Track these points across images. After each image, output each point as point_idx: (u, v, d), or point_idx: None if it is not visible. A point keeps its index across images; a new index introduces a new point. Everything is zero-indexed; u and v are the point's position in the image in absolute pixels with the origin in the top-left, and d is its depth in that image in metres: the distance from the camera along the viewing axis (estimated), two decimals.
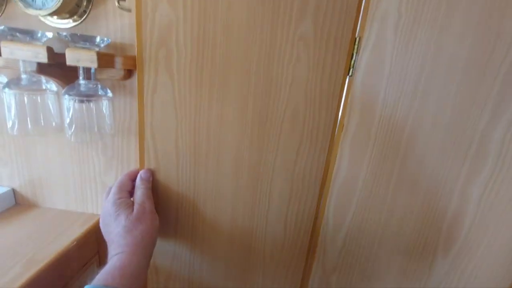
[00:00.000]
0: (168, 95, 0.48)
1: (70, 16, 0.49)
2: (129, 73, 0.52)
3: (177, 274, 0.62)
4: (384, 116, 0.49)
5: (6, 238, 0.52)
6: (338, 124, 0.51)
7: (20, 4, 0.45)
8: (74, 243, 0.52)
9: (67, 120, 0.48)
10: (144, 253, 0.43)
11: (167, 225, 0.59)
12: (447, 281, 0.58)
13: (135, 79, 0.52)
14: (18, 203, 0.63)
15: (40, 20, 0.50)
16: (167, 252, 0.61)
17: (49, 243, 0.51)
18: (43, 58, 0.40)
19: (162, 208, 0.56)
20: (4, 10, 0.50)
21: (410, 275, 0.60)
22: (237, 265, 0.65)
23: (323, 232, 0.61)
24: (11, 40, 0.42)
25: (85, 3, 0.48)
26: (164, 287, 0.64)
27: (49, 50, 0.41)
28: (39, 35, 0.45)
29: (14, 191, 0.62)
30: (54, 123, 0.52)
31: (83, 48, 0.44)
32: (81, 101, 0.48)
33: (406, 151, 0.51)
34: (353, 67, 0.47)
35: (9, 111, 0.48)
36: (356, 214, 0.58)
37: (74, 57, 0.41)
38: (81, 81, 0.46)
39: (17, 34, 0.44)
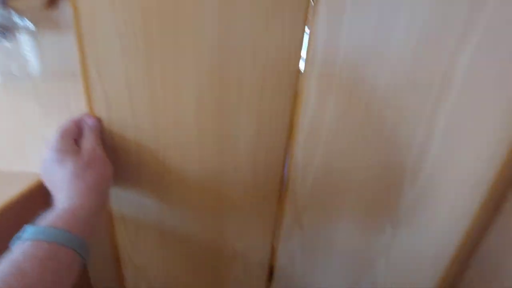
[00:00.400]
0: (110, 24, 0.41)
1: None
2: (52, 1, 0.44)
3: (146, 224, 0.61)
4: (348, 52, 0.47)
5: None
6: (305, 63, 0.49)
7: None
8: (23, 190, 0.47)
9: None
10: (97, 199, 0.40)
11: (129, 173, 0.55)
12: (414, 209, 0.63)
13: (63, 8, 0.43)
14: None
15: None
16: (133, 202, 0.59)
17: None
18: None
19: (120, 157, 0.52)
20: None
21: (378, 208, 0.64)
22: (208, 211, 0.64)
23: (294, 172, 0.62)
24: None
25: None
26: (134, 238, 0.63)
27: None
28: None
29: None
30: None
31: None
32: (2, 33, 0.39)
33: (372, 86, 0.50)
34: None
35: None
36: (325, 152, 0.59)
37: None
38: None
39: None
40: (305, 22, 0.46)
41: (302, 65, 0.50)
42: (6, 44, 0.40)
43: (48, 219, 0.33)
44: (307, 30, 0.46)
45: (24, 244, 0.30)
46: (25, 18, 0.41)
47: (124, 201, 0.58)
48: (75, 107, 0.50)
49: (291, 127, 0.56)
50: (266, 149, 0.58)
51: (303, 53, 0.49)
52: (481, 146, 0.55)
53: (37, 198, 0.52)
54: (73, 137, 0.44)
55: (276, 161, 0.60)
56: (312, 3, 0.44)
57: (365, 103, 0.53)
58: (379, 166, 0.60)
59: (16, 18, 0.40)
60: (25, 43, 0.42)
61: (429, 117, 0.54)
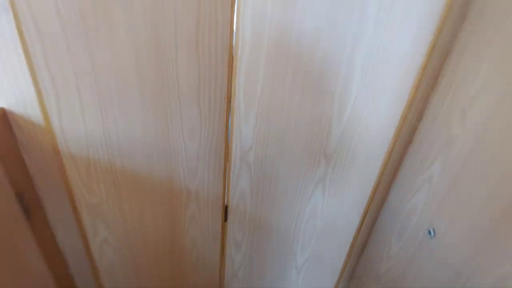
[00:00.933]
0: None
1: None
2: None
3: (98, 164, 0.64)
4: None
5: None
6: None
7: None
8: None
9: None
10: None
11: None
12: (345, 137, 0.73)
13: None
14: None
15: None
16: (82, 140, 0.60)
17: None
18: None
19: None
20: None
21: (313, 144, 0.73)
22: (160, 162, 0.69)
23: (237, 112, 0.68)
24: None
25: None
26: (86, 180, 0.65)
27: None
28: None
29: None
30: None
31: None
32: None
33: (299, 39, 0.57)
34: None
35: None
36: (264, 90, 0.65)
37: None
38: None
39: None
40: None
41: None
42: None
43: None
44: None
45: None
46: None
47: (72, 140, 0.60)
48: (12, 43, 0.49)
49: (230, 66, 0.62)
50: (209, 88, 0.63)
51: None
52: (391, 89, 0.66)
53: None
54: None
55: (220, 100, 0.65)
56: None
57: (295, 48, 0.60)
58: (311, 110, 0.68)
59: None
60: None
61: (348, 59, 0.62)
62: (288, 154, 0.76)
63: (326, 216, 0.87)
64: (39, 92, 0.52)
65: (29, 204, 0.66)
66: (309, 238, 0.92)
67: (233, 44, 0.60)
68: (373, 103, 0.68)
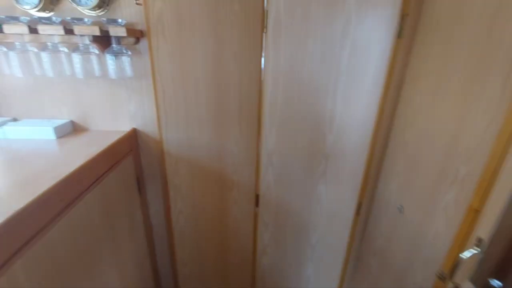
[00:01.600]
0: (164, 49, 0.87)
1: (99, 9, 0.84)
2: (137, 40, 0.90)
3: (182, 158, 1.06)
4: (285, 61, 0.93)
5: (71, 145, 0.90)
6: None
7: (73, 3, 0.80)
8: (115, 140, 0.92)
9: (111, 67, 0.86)
10: None
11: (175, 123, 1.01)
12: (337, 142, 1.07)
13: (140, 45, 0.90)
14: (75, 129, 1.00)
15: (80, 11, 0.84)
16: (175, 143, 1.03)
17: (101, 144, 0.90)
18: (97, 32, 0.77)
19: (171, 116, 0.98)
20: (57, 6, 0.83)
21: (314, 149, 1.09)
22: (216, 159, 1.09)
23: (264, 128, 1.07)
24: (77, 25, 0.78)
25: (107, 1, 0.83)
26: (174, 167, 1.07)
27: (100, 28, 0.77)
28: (86, 20, 0.80)
29: (72, 122, 0.99)
30: (96, 73, 0.88)
31: (118, 25, 0.81)
32: (116, 56, 0.85)
33: (300, 79, 0.96)
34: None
35: (76, 65, 0.84)
36: (281, 114, 1.03)
37: (114, 30, 0.78)
38: (114, 45, 0.83)
39: (75, 21, 0.79)
40: (261, 49, 0.91)
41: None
42: (121, 60, 0.86)
43: None
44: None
45: None
46: (126, 48, 0.87)
47: (171, 143, 1.03)
48: (146, 94, 0.95)
49: (259, 100, 1.02)
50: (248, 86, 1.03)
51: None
52: (364, 104, 1.01)
53: (124, 144, 0.97)
54: None
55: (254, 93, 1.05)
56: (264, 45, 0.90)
57: (299, 86, 0.98)
58: (311, 124, 1.05)
59: (123, 49, 0.86)
60: (125, 60, 0.88)
61: (333, 89, 0.99)
62: (298, 156, 1.12)
63: (329, 202, 1.19)
64: (158, 119, 0.97)
65: (140, 185, 1.09)
66: (318, 219, 1.23)
67: (261, 85, 1.01)
68: (352, 118, 1.03)
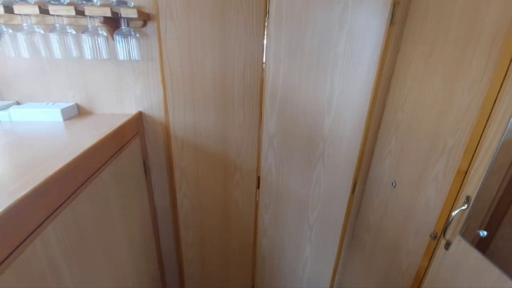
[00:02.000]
0: (173, 33, 0.90)
1: None
2: (144, 24, 0.92)
3: (188, 142, 1.09)
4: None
5: (78, 127, 0.91)
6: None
7: None
8: (122, 123, 0.94)
9: (119, 49, 0.87)
10: None
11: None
12: (334, 125, 1.14)
13: (148, 28, 0.92)
14: (80, 113, 1.01)
15: None
16: (181, 127, 1.06)
17: (107, 126, 0.92)
18: (108, 13, 0.79)
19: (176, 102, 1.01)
20: None
21: (314, 132, 1.15)
22: (220, 143, 1.13)
23: (265, 113, 1.12)
24: (87, 6, 0.79)
25: None
26: (181, 150, 1.10)
27: (110, 9, 0.79)
28: (95, 1, 0.82)
29: (77, 105, 0.99)
30: (104, 55, 0.90)
31: (128, 7, 0.83)
32: (124, 38, 0.87)
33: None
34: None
35: (86, 47, 0.85)
36: (281, 101, 1.09)
37: (125, 12, 0.80)
38: (123, 27, 0.85)
39: (83, 1, 0.80)
40: (263, 36, 0.96)
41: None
42: (129, 41, 0.88)
43: None
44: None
45: None
46: (134, 30, 0.89)
47: (177, 127, 1.06)
48: (153, 77, 0.98)
49: (262, 86, 1.07)
50: (251, 78, 1.08)
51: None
52: (359, 88, 1.08)
53: (131, 126, 0.99)
54: None
55: (257, 82, 1.09)
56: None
57: (299, 72, 1.04)
58: (311, 108, 1.11)
59: (131, 31, 0.88)
60: (133, 42, 0.90)
61: (331, 75, 1.06)
62: (298, 139, 1.18)
63: (327, 182, 1.26)
64: (165, 102, 0.99)
65: (146, 168, 1.11)
66: (316, 200, 1.30)
67: (263, 75, 1.06)
68: (349, 100, 1.10)
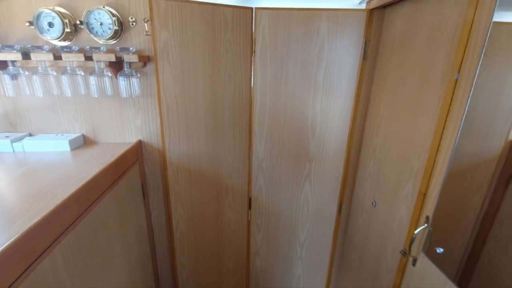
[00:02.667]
0: (169, 72, 1.03)
1: (112, 39, 0.99)
2: (144, 65, 1.04)
3: (182, 167, 1.18)
4: (271, 87, 1.10)
5: (84, 156, 1.01)
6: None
7: (91, 35, 0.94)
8: (123, 151, 1.04)
9: (122, 87, 0.99)
10: None
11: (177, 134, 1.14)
12: (317, 151, 1.24)
13: (147, 68, 1.05)
14: (85, 142, 1.11)
15: (96, 41, 0.99)
16: (176, 155, 1.16)
17: (110, 155, 1.02)
18: (113, 59, 0.91)
19: (172, 130, 1.11)
20: (76, 37, 0.98)
21: (299, 154, 1.25)
22: (212, 167, 1.22)
23: (255, 138, 1.22)
24: (95, 53, 0.92)
25: (119, 33, 0.99)
26: (176, 175, 1.19)
27: (115, 55, 0.92)
28: (101, 48, 0.95)
29: (83, 135, 1.10)
30: (108, 93, 1.02)
31: (130, 53, 0.95)
32: (127, 78, 0.99)
33: (283, 96, 1.13)
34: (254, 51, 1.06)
35: (92, 86, 0.97)
36: (269, 125, 1.19)
37: (128, 57, 0.93)
38: (126, 69, 0.98)
39: (92, 49, 0.93)
40: (250, 71, 1.08)
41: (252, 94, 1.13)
42: (131, 81, 1.00)
43: None
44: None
45: None
46: (135, 71, 1.01)
47: (172, 154, 1.16)
48: (151, 110, 1.09)
49: (250, 114, 1.18)
50: (239, 98, 1.19)
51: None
52: (339, 115, 1.19)
53: (131, 154, 1.09)
54: None
55: (245, 102, 1.20)
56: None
57: (283, 101, 1.15)
58: (296, 132, 1.21)
59: (133, 72, 1.00)
60: (134, 81, 1.02)
61: (312, 103, 1.17)
62: (285, 161, 1.27)
63: (315, 202, 1.33)
64: (162, 131, 1.10)
65: (144, 192, 1.20)
66: (305, 219, 1.37)
67: (251, 101, 1.17)
68: (331, 126, 1.20)
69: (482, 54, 0.61)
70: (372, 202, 1.15)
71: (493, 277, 0.88)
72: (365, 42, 1.10)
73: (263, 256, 1.48)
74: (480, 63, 0.61)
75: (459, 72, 0.67)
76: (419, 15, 0.86)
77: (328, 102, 1.18)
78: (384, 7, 1.05)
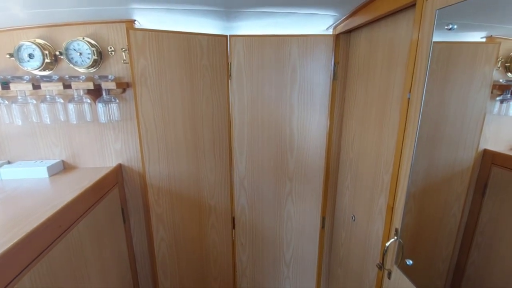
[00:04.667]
0: (147, 97, 1.06)
1: (92, 67, 1.03)
2: (123, 90, 1.08)
3: (163, 189, 1.19)
4: (248, 99, 1.15)
5: (62, 182, 1.02)
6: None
7: (70, 64, 0.98)
8: (102, 176, 1.05)
9: (101, 113, 1.02)
10: None
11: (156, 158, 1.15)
12: (297, 166, 1.27)
13: (126, 93, 1.09)
14: (65, 168, 1.12)
15: (76, 70, 1.02)
16: (156, 176, 1.17)
17: (88, 180, 1.02)
18: (91, 86, 0.94)
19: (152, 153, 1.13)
20: (56, 66, 1.01)
21: (280, 173, 1.27)
22: (194, 187, 1.24)
23: (235, 157, 1.25)
24: (74, 81, 0.95)
25: (99, 61, 1.03)
26: (156, 197, 1.20)
27: (93, 82, 0.95)
28: (81, 77, 0.98)
29: (63, 161, 1.11)
30: (88, 118, 1.04)
31: (108, 80, 0.99)
32: (106, 104, 1.02)
33: (262, 109, 1.18)
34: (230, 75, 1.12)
35: (71, 113, 1.00)
36: (248, 143, 1.23)
37: (105, 85, 0.96)
38: (104, 95, 1.01)
39: (71, 78, 0.97)
40: (228, 93, 1.13)
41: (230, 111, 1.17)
42: (110, 107, 1.03)
43: None
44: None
45: None
46: (114, 97, 1.05)
47: (153, 176, 1.17)
48: (131, 134, 1.11)
49: (229, 134, 1.21)
50: (219, 121, 1.22)
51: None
52: (315, 132, 1.23)
53: (110, 178, 1.10)
54: None
55: (224, 123, 1.23)
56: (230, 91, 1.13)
57: (261, 121, 1.20)
58: (275, 150, 1.25)
59: (112, 98, 1.03)
60: (113, 106, 1.05)
61: (289, 122, 1.21)
62: (266, 179, 1.30)
63: (298, 219, 1.34)
64: (142, 155, 1.12)
65: (124, 216, 1.20)
66: (290, 236, 1.37)
67: (230, 122, 1.21)
68: (308, 143, 1.24)
69: (427, 73, 0.66)
70: (352, 216, 1.17)
71: (480, 286, 0.90)
72: (334, 64, 1.17)
73: (250, 276, 1.46)
74: (426, 81, 0.66)
75: (409, 91, 0.72)
76: (378, 39, 0.93)
77: (304, 120, 1.23)
78: (349, 31, 1.13)
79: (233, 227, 1.37)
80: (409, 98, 0.72)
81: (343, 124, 1.23)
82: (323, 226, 1.37)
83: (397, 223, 0.77)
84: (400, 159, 0.75)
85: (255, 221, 1.36)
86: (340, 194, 1.28)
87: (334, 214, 1.36)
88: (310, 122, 1.22)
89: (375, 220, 0.98)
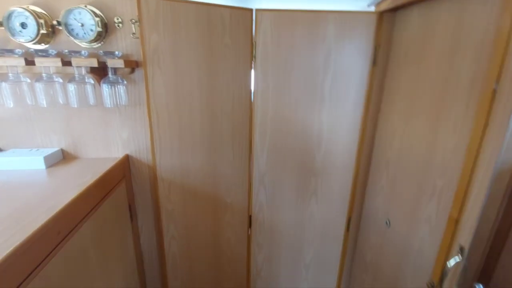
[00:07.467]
0: (160, 79, 0.91)
1: (95, 41, 0.87)
2: (132, 70, 0.93)
3: (175, 183, 1.06)
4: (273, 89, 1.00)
5: (61, 175, 0.88)
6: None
7: (70, 37, 0.83)
8: (108, 169, 0.92)
9: (106, 96, 0.88)
10: None
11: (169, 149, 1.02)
12: (323, 165, 1.13)
13: (135, 73, 0.93)
14: (64, 158, 0.99)
15: (77, 44, 0.87)
16: (168, 169, 1.04)
17: (91, 173, 0.89)
18: (95, 64, 0.80)
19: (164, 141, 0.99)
20: (53, 39, 0.86)
21: (304, 169, 1.14)
22: (209, 183, 1.11)
23: (255, 151, 1.11)
24: (75, 57, 0.80)
25: (103, 35, 0.87)
26: (167, 192, 1.07)
27: (98, 60, 0.80)
28: (82, 52, 0.83)
29: (62, 150, 0.97)
30: (91, 102, 0.90)
31: (115, 57, 0.84)
32: (111, 86, 0.87)
33: (289, 105, 1.03)
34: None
35: (71, 95, 0.85)
36: (271, 138, 1.09)
37: (112, 62, 0.81)
38: (110, 75, 0.86)
39: (72, 53, 0.81)
40: (250, 78, 0.98)
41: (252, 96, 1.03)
42: (116, 89, 0.88)
43: None
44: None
45: None
46: (121, 78, 0.90)
47: (164, 169, 1.04)
48: (140, 121, 0.97)
49: (250, 125, 1.07)
50: (239, 109, 1.08)
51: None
52: (347, 125, 1.09)
53: (117, 171, 0.97)
54: None
55: (246, 114, 1.08)
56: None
57: (288, 111, 1.05)
58: (301, 146, 1.11)
59: (119, 79, 0.89)
60: (120, 89, 0.90)
61: (318, 113, 1.07)
62: (289, 175, 1.17)
63: (321, 220, 1.22)
64: (152, 144, 0.98)
65: (132, 213, 1.07)
66: (311, 238, 1.26)
67: (252, 111, 1.06)
68: (338, 138, 1.10)
69: None
70: (386, 222, 1.05)
71: None
72: (375, 47, 1.02)
73: (265, 278, 1.36)
74: None
75: (496, 81, 0.58)
76: (439, 19, 0.77)
77: (336, 112, 1.08)
78: (395, 10, 0.97)
79: (250, 226, 1.26)
80: (495, 89, 0.57)
81: (380, 118, 1.08)
82: (348, 228, 1.25)
83: (462, 239, 0.64)
84: (474, 162, 0.62)
85: (274, 220, 1.24)
86: (371, 195, 1.15)
87: (361, 215, 1.24)
88: (343, 114, 1.08)
89: (419, 228, 0.85)
